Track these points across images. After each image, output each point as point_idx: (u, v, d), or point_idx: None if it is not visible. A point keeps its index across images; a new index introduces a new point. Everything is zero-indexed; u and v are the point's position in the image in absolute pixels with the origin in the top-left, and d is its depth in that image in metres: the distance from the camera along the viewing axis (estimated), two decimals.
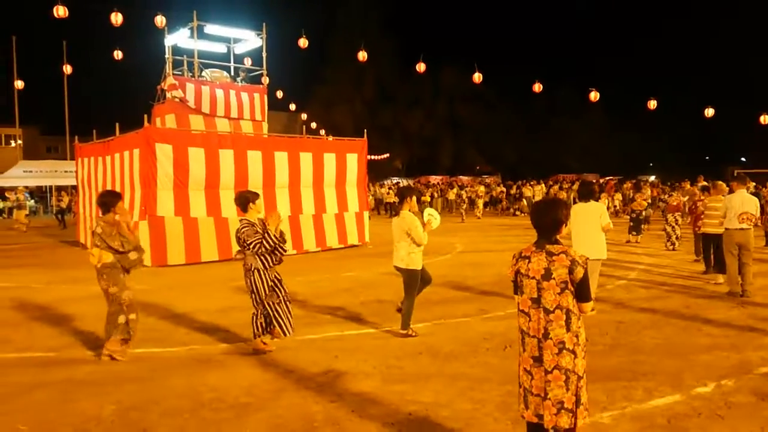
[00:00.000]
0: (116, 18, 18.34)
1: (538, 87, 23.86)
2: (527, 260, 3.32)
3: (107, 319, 5.98)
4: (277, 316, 6.02)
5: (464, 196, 26.56)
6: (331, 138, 17.51)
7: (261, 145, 14.37)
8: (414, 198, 6.83)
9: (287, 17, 48.35)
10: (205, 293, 9.49)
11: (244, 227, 5.91)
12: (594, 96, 23.24)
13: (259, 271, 5.92)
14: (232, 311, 8.04)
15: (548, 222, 3.33)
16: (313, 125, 44.24)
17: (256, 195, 6.22)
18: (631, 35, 72.98)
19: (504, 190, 32.24)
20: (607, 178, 41.52)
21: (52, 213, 29.89)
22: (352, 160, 15.85)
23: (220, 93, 16.99)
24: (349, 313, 7.91)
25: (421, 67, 23.12)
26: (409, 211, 6.59)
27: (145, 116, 13.11)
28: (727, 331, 6.77)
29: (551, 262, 3.22)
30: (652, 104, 23.66)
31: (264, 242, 5.82)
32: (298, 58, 29.07)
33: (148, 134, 12.62)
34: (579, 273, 3.18)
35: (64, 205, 25.27)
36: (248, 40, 18.44)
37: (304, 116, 44.62)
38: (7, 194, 29.73)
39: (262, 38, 18.03)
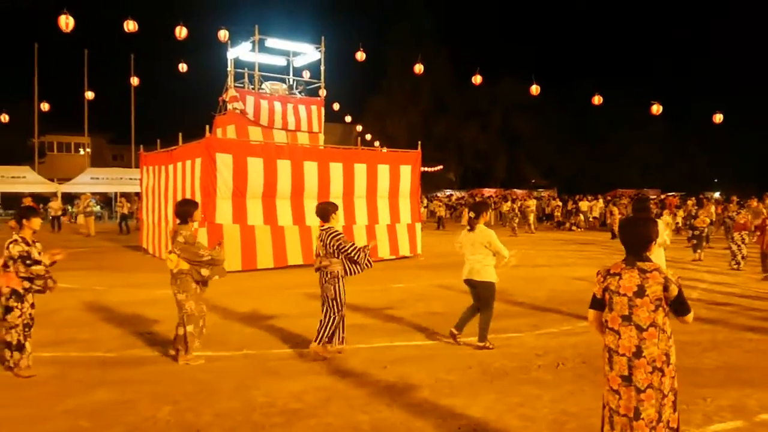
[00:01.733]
0: (181, 32, 19.13)
1: (597, 99, 23.42)
2: (618, 277, 3.30)
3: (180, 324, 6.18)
4: (342, 326, 6.28)
5: (516, 210, 26.26)
6: (385, 149, 17.65)
7: (317, 156, 14.61)
8: (490, 212, 6.95)
9: (345, 30, 49.01)
10: (260, 299, 9.67)
11: (338, 234, 6.14)
12: (656, 109, 22.57)
13: (342, 278, 6.15)
14: (286, 318, 8.17)
15: (639, 238, 3.34)
16: (368, 137, 44.69)
17: (336, 206, 6.51)
18: (696, 46, 70.81)
19: (560, 204, 31.64)
20: (669, 194, 40.22)
21: (116, 219, 31.04)
22: (406, 172, 15.92)
23: (278, 106, 17.40)
24: (399, 324, 7.92)
25: (477, 78, 23.09)
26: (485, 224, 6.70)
27: (207, 127, 13.53)
28: None
29: (645, 279, 3.21)
30: (718, 118, 22.78)
31: (358, 250, 6.13)
32: (354, 70, 29.55)
33: (210, 144, 13.02)
34: (674, 290, 3.19)
35: (126, 210, 26.18)
36: (307, 53, 18.85)
37: (359, 128, 45.16)
38: (76, 202, 31.06)
39: (320, 51, 18.39)
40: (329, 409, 4.84)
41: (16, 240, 5.52)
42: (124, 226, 24.60)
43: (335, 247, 6.10)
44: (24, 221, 5.63)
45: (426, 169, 34.79)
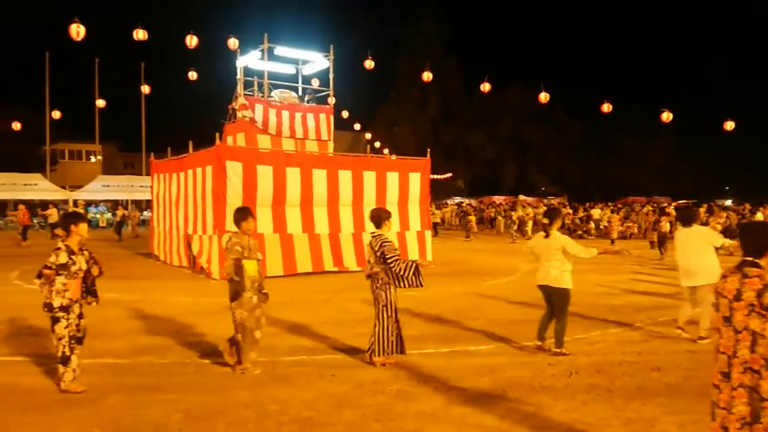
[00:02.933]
0: (192, 40, 19.28)
1: (607, 107, 23.36)
2: (724, 280, 3.45)
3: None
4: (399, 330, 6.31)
5: (514, 217, 26.33)
6: (394, 157, 17.66)
7: (326, 164, 14.64)
8: (561, 219, 7.05)
9: (354, 38, 49.31)
10: (271, 307, 9.61)
11: (386, 242, 6.14)
12: (666, 116, 22.49)
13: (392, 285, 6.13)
14: (297, 325, 8.15)
15: (754, 244, 3.44)
16: (377, 144, 44.78)
17: (389, 213, 6.54)
18: (706, 53, 70.55)
19: (571, 212, 31.49)
20: (680, 201, 39.99)
21: (126, 226, 31.24)
22: (415, 179, 15.91)
23: (286, 115, 17.45)
24: (411, 333, 7.84)
25: (485, 86, 23.10)
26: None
27: (217, 134, 13.59)
28: None
29: (743, 283, 3.31)
30: (729, 125, 22.65)
31: (400, 262, 6.06)
32: (363, 78, 29.63)
33: (220, 152, 13.07)
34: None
35: (118, 218, 26.37)
36: (316, 61, 18.90)
37: (368, 135, 45.25)
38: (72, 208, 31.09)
39: (329, 60, 18.43)
40: (341, 417, 4.82)
41: (60, 248, 5.34)
42: (118, 233, 24.85)
43: (381, 254, 6.10)
44: (72, 227, 5.45)
45: (435, 176, 34.80)
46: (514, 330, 8.03)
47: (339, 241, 14.34)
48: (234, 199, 12.96)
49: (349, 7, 79.34)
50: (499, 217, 33.00)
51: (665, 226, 18.23)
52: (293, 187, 13.77)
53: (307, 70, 19.46)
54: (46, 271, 5.26)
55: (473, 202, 47.28)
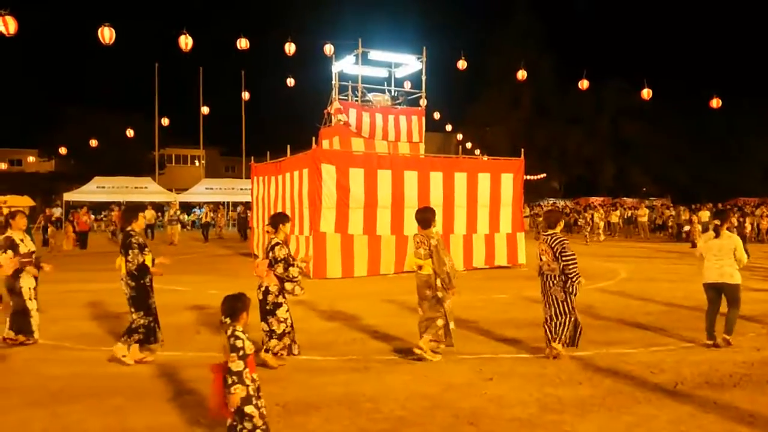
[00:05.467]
0: (290, 48, 19.98)
1: (716, 102, 22.02)
2: None
3: (424, 324, 6.56)
4: (580, 326, 6.63)
5: (588, 219, 25.34)
6: (486, 158, 17.44)
7: (417, 166, 14.69)
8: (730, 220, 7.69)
9: (446, 39, 49.02)
10: (361, 305, 9.78)
11: (564, 241, 6.50)
12: None
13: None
14: (388, 324, 8.22)
15: None
16: (469, 145, 44.38)
17: (562, 214, 7.03)
18: None
19: (673, 214, 29.82)
20: None
21: (228, 227, 32.75)
22: (507, 180, 15.64)
23: (379, 117, 17.65)
24: (504, 336, 7.76)
25: (583, 83, 22.40)
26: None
27: (314, 138, 13.98)
28: None
29: None
30: None
31: (575, 264, 6.40)
32: (455, 79, 29.45)
33: (315, 155, 13.45)
34: None
35: (209, 219, 27.52)
36: (408, 64, 19.01)
37: (459, 136, 44.91)
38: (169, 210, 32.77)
39: (421, 62, 18.48)
40: (434, 419, 4.83)
41: (279, 243, 6.21)
42: (204, 235, 26.06)
43: (558, 252, 6.40)
44: (280, 226, 6.37)
45: (528, 177, 34.00)
46: (612, 337, 7.74)
47: None
48: (329, 201, 13.30)
49: (440, 9, 79.19)
50: (596, 219, 31.80)
51: (748, 227, 17.59)
52: (384, 189, 13.93)
53: (399, 73, 19.61)
54: (292, 268, 6.19)
55: (569, 203, 45.77)
